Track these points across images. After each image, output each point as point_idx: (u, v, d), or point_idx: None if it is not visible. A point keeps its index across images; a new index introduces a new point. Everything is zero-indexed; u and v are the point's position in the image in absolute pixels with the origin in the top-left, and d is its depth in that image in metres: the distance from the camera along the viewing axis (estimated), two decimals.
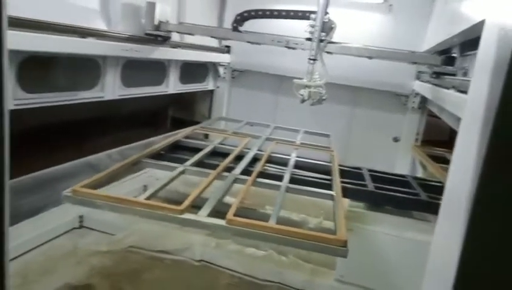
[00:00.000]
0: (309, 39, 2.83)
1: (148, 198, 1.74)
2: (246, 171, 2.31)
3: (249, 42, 3.24)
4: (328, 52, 2.95)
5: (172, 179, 2.08)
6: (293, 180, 2.34)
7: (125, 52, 2.78)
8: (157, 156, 2.53)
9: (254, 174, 2.24)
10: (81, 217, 2.80)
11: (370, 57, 3.03)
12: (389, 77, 3.97)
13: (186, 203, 1.69)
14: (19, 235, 2.44)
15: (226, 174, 2.22)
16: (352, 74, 4.03)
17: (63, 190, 2.81)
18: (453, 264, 0.56)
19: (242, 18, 3.07)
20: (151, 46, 3.16)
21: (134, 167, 2.31)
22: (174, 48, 3.48)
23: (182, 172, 2.20)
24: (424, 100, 3.98)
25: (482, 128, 0.54)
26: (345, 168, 2.86)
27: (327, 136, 3.61)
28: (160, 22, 3.17)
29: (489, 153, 0.53)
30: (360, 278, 2.24)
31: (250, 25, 3.17)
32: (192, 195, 1.79)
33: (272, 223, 1.64)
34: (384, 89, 4.10)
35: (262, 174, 2.35)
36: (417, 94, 3.99)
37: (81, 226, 2.80)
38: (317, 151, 3.14)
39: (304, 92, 2.79)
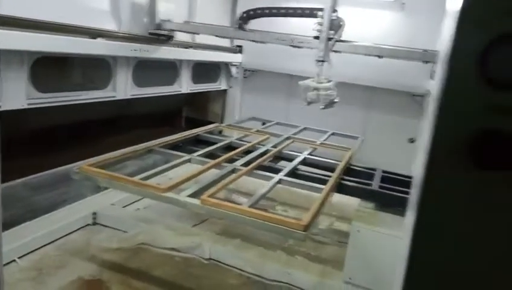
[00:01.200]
0: (317, 37, 2.72)
1: (143, 179, 1.93)
2: (249, 164, 2.37)
3: (253, 41, 3.17)
4: (335, 51, 2.85)
5: (173, 166, 2.27)
6: (292, 174, 2.38)
7: (134, 53, 2.83)
8: (175, 147, 2.72)
9: (252, 165, 2.31)
10: (94, 214, 2.86)
11: (380, 56, 2.92)
12: (404, 76, 3.89)
13: (170, 184, 1.87)
14: (36, 230, 2.53)
15: (226, 164, 2.32)
16: (366, 73, 3.97)
17: (76, 187, 2.92)
18: (405, 255, 0.57)
19: (248, 16, 3.01)
20: (156, 45, 3.13)
21: (148, 154, 2.56)
22: (185, 48, 3.52)
23: (188, 160, 2.38)
24: None
25: (431, 120, 0.55)
26: (358, 168, 2.83)
27: (356, 138, 3.59)
28: (162, 21, 3.12)
29: (433, 145, 0.53)
30: (369, 281, 2.20)
31: (258, 24, 3.14)
32: (179, 178, 1.96)
33: (243, 206, 1.72)
34: (399, 89, 4.02)
35: (262, 167, 2.41)
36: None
37: (94, 223, 2.86)
38: (335, 150, 3.13)
39: (312, 95, 2.74)
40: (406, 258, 0.57)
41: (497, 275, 0.55)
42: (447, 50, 0.52)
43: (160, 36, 3.15)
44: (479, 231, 0.55)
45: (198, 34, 3.38)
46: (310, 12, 2.80)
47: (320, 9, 2.69)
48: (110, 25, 2.81)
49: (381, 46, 2.94)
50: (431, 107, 0.58)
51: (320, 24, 2.68)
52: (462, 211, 0.55)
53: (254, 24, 3.20)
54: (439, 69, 0.57)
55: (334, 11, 2.66)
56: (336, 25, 2.66)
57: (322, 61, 2.76)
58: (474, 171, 0.52)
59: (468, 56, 0.51)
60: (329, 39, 2.70)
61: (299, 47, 3.01)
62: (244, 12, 3.03)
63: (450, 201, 0.55)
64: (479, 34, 0.50)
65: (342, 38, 2.75)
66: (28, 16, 2.07)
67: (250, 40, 3.20)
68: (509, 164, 0.51)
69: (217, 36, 3.44)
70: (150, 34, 3.09)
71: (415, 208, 0.57)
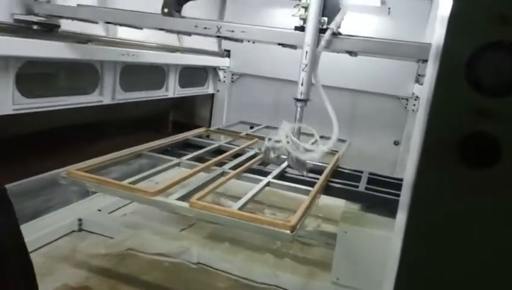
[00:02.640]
0: (300, 28, 1.80)
1: (132, 183, 1.90)
2: (237, 167, 2.37)
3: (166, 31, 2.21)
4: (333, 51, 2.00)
5: (162, 170, 2.26)
6: (281, 176, 2.40)
7: (122, 57, 2.81)
8: (164, 151, 2.70)
9: (241, 169, 2.32)
10: (80, 220, 2.82)
11: (354, 54, 2.04)
12: (390, 79, 3.97)
13: (158, 187, 1.85)
14: None
15: (215, 168, 2.33)
16: (351, 76, 4.04)
17: (62, 193, 2.88)
18: (396, 255, 0.59)
19: (170, 2, 2.03)
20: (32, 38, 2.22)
21: (137, 158, 2.53)
22: (172, 52, 3.51)
23: (177, 164, 2.37)
24: None
25: (421, 122, 0.57)
26: (345, 171, 2.86)
27: (343, 141, 3.63)
28: (35, 2, 2.22)
29: (423, 147, 0.55)
30: (356, 281, 2.23)
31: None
32: (167, 182, 1.96)
33: (232, 209, 1.71)
34: (384, 92, 4.10)
35: (251, 170, 2.42)
36: (417, 97, 3.98)
37: (80, 229, 2.82)
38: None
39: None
40: (397, 258, 0.59)
41: (488, 275, 0.57)
42: (437, 55, 0.55)
43: (34, 25, 2.24)
44: (469, 230, 0.57)
45: (96, 23, 2.40)
46: None
47: None
48: None
49: (380, 40, 2.06)
50: (421, 110, 0.60)
51: (305, 7, 1.75)
52: (452, 207, 0.57)
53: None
54: (429, 73, 0.60)
55: None
56: (331, 8, 1.73)
57: (305, 101, 1.97)
58: (462, 170, 0.55)
59: (457, 61, 0.53)
60: (322, 30, 1.75)
61: (235, 40, 2.10)
62: None
63: (440, 198, 0.57)
64: (468, 41, 0.53)
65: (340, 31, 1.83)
66: None
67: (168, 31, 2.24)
68: (493, 162, 0.54)
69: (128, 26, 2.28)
70: (17, 21, 2.20)
71: (406, 209, 0.59)
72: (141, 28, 2.29)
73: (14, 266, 0.97)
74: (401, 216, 0.64)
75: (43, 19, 2.26)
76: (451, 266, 0.58)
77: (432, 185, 0.57)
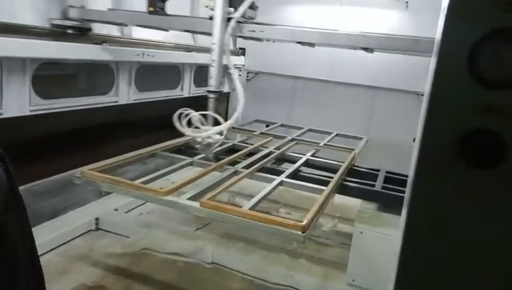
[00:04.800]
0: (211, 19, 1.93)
1: (144, 182, 1.92)
2: (251, 166, 2.35)
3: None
4: (247, 38, 2.17)
5: (175, 169, 2.27)
6: (294, 175, 2.36)
7: (137, 57, 2.82)
8: (178, 151, 2.72)
9: (254, 168, 2.29)
10: (97, 219, 2.86)
11: (368, 49, 2.09)
12: (408, 75, 3.86)
13: (170, 187, 1.86)
14: (39, 236, 2.52)
15: (228, 167, 2.31)
16: (370, 73, 3.96)
17: (79, 193, 2.92)
18: (397, 253, 0.56)
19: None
20: (64, 42, 2.36)
21: (151, 158, 2.56)
22: (188, 51, 3.51)
23: (190, 164, 2.38)
24: None
25: (421, 119, 0.53)
26: (361, 169, 2.80)
27: (360, 139, 3.56)
28: (71, 8, 2.38)
29: (423, 144, 0.52)
30: (372, 283, 2.17)
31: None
32: (179, 182, 1.96)
33: (243, 209, 1.69)
34: (403, 88, 4.00)
35: (264, 169, 2.39)
36: None
37: (97, 229, 2.86)
38: (338, 152, 3.09)
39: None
40: (397, 256, 0.56)
41: (486, 272, 0.53)
42: (437, 47, 0.51)
43: (68, 28, 2.39)
44: (468, 229, 0.53)
45: (126, 25, 2.61)
46: None
47: None
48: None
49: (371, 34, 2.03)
50: (423, 106, 0.56)
51: None
52: (452, 208, 0.53)
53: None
54: (431, 67, 0.56)
55: None
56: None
57: (217, 92, 2.21)
58: (463, 169, 0.51)
59: (457, 53, 0.49)
60: (228, 19, 1.87)
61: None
62: None
63: (440, 199, 0.53)
64: (470, 28, 0.48)
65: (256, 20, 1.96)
66: None
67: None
68: (498, 162, 0.50)
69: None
70: (54, 26, 2.34)
71: (406, 207, 0.56)
72: (167, 30, 2.53)
73: (25, 270, 0.98)
74: (404, 213, 0.61)
75: (77, 23, 2.42)
76: (449, 264, 0.54)
77: (431, 184, 0.53)
